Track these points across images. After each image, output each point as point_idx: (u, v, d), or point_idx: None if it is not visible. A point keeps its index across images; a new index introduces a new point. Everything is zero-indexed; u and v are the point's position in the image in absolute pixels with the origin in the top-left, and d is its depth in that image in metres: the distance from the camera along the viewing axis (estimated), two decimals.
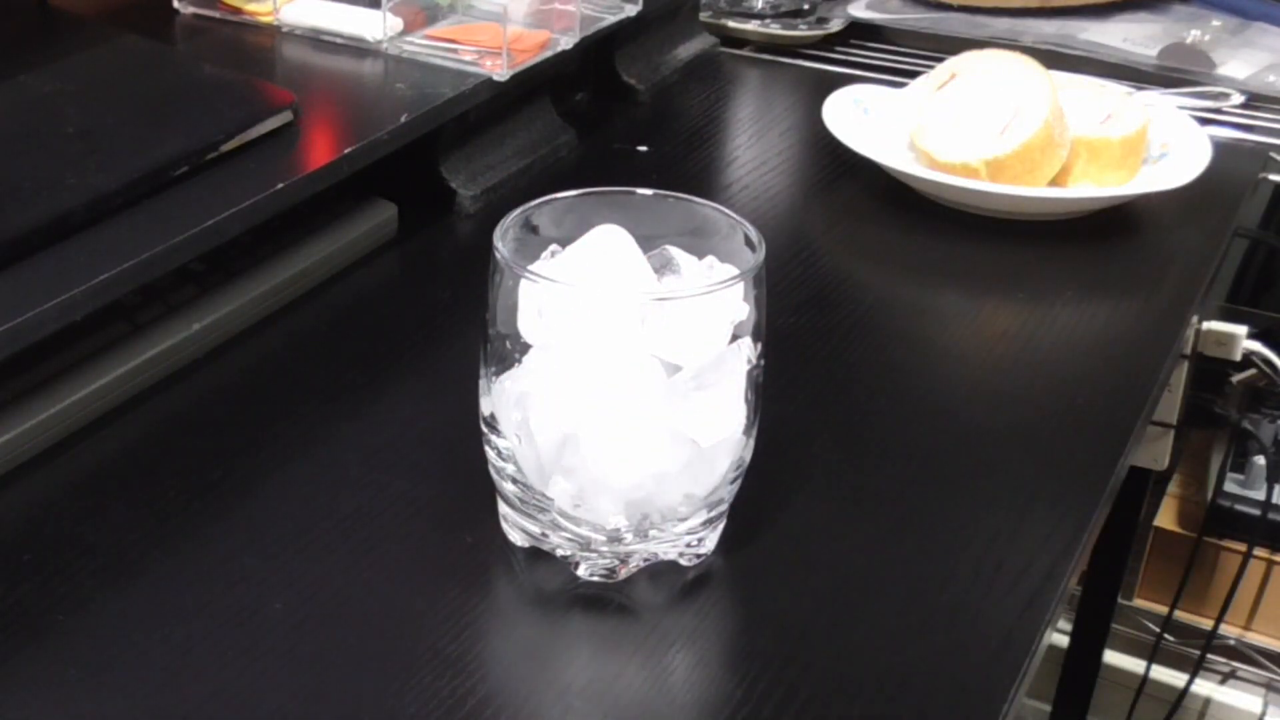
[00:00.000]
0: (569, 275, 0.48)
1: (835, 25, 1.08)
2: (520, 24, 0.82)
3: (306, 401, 0.60)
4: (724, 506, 0.51)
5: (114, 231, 0.59)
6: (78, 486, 0.55)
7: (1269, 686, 1.22)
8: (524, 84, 0.80)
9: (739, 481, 0.50)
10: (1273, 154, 0.91)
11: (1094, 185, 0.79)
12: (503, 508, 0.51)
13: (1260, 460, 1.14)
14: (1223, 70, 1.02)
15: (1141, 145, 0.80)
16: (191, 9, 0.84)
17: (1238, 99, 0.98)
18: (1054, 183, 0.78)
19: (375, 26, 0.79)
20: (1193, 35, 1.06)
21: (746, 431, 0.49)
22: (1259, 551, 1.15)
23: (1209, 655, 1.18)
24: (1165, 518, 1.21)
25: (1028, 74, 0.79)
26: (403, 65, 0.78)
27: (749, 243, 0.50)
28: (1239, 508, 1.15)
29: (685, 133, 0.90)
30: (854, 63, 1.04)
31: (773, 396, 0.52)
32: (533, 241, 0.50)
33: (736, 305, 0.47)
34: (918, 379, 0.64)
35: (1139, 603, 1.24)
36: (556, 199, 0.51)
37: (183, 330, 0.62)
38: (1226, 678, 1.24)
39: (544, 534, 0.50)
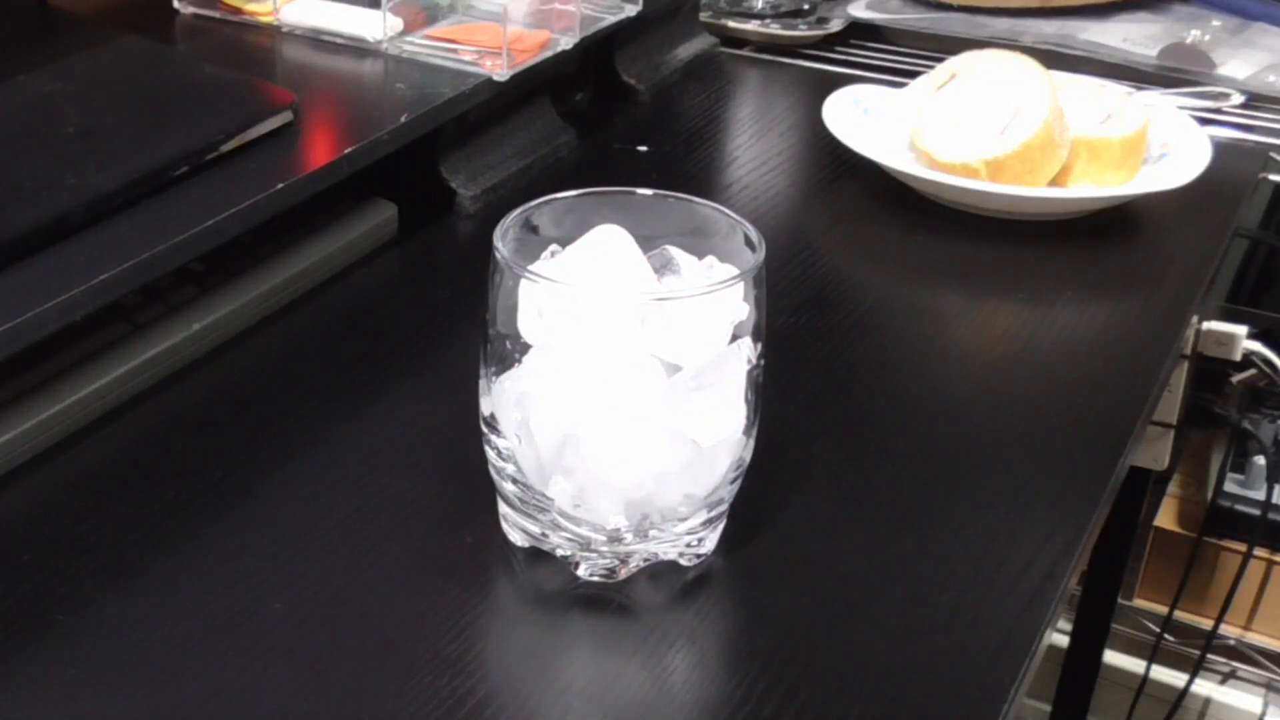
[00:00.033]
0: (569, 275, 0.48)
1: (835, 25, 1.08)
2: (520, 24, 0.82)
3: (306, 401, 0.60)
4: (724, 506, 0.51)
5: (114, 231, 0.59)
6: (78, 486, 0.55)
7: (1269, 686, 1.22)
8: (524, 84, 0.80)
9: (739, 481, 0.50)
10: (1273, 154, 0.91)
11: (1094, 185, 0.79)
12: (503, 508, 0.51)
13: (1260, 460, 1.14)
14: (1223, 70, 1.02)
15: (1141, 145, 0.80)
16: (191, 9, 0.84)
17: (1238, 99, 0.98)
18: (1054, 183, 0.78)
19: (375, 26, 0.79)
20: (1193, 35, 1.06)
21: (746, 431, 0.49)
22: (1259, 551, 1.15)
23: (1209, 655, 1.18)
24: (1165, 518, 1.21)
25: (1028, 74, 0.79)
26: (403, 65, 0.78)
27: (749, 243, 0.50)
28: (1239, 508, 1.15)
29: (685, 133, 0.90)
30: (854, 63, 1.04)
31: (773, 396, 0.52)
32: (533, 241, 0.50)
33: (736, 305, 0.47)
34: (918, 379, 0.64)
35: (1139, 603, 1.24)
36: (556, 199, 0.51)
37: (183, 330, 0.62)
38: (1226, 678, 1.24)
39: (544, 534, 0.50)
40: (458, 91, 0.74)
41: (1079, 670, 1.16)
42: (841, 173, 0.84)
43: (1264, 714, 1.22)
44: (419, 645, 0.47)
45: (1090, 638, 1.15)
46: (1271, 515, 1.13)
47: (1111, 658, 1.24)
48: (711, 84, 0.98)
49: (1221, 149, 0.82)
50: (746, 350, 0.48)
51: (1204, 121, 0.89)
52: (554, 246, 0.50)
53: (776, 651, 0.47)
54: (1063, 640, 1.16)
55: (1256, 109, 0.98)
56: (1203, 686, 1.23)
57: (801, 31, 1.06)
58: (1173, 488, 1.23)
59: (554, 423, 0.47)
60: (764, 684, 0.46)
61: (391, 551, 0.51)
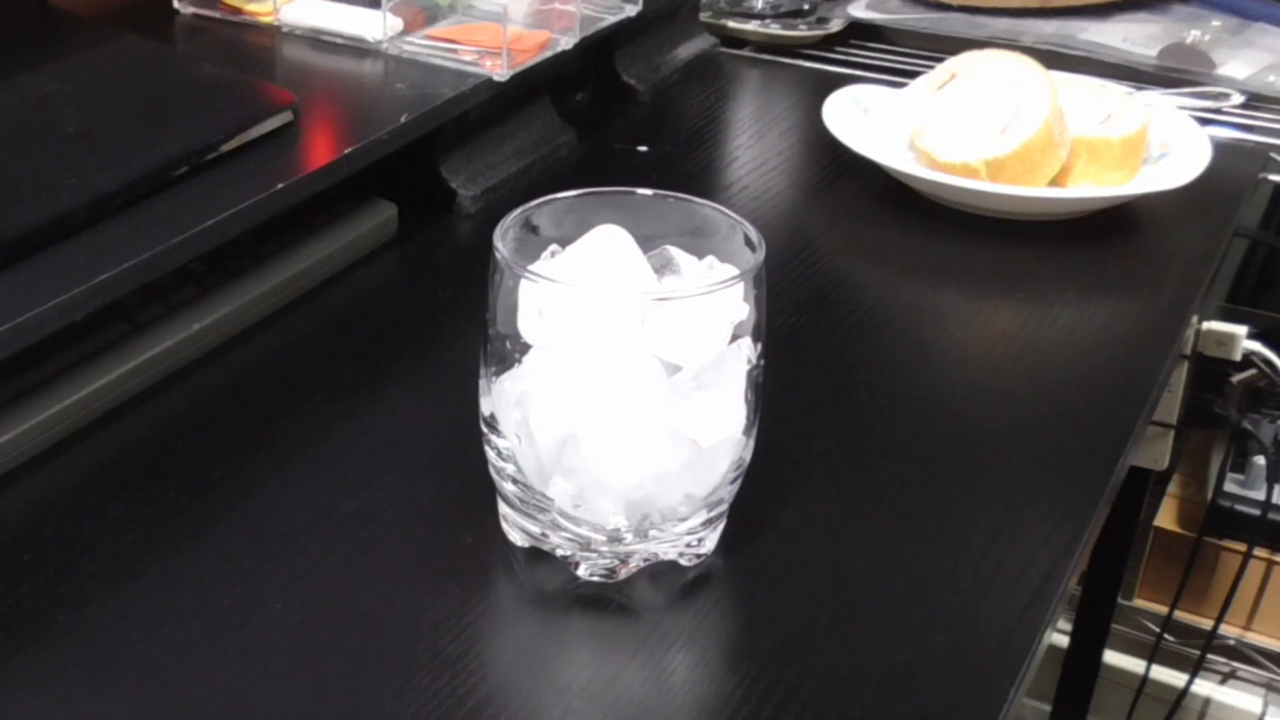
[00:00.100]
0: (569, 275, 0.48)
1: (835, 25, 1.08)
2: (520, 24, 0.82)
3: (306, 401, 0.60)
4: (724, 506, 0.50)
5: (114, 231, 0.59)
6: (78, 486, 0.55)
7: (1269, 686, 1.22)
8: (524, 84, 0.80)
9: (739, 481, 0.50)
10: (1273, 154, 0.91)
11: (1094, 185, 0.79)
12: (503, 508, 0.51)
13: (1260, 460, 1.14)
14: (1223, 70, 1.02)
15: (1141, 145, 0.80)
16: (191, 9, 0.84)
17: (1238, 99, 0.98)
18: (1054, 183, 0.78)
19: (375, 26, 0.79)
20: (1193, 35, 1.06)
21: (746, 431, 0.49)
22: (1259, 551, 1.15)
23: (1209, 655, 1.18)
24: (1165, 518, 1.21)
25: (1028, 74, 0.79)
26: (403, 65, 0.78)
27: (749, 243, 0.50)
28: (1239, 508, 1.15)
29: (685, 133, 0.90)
30: (854, 63, 1.04)
31: (773, 396, 0.52)
32: (533, 241, 0.50)
33: (736, 305, 0.47)
34: (918, 379, 0.64)
35: (1139, 603, 1.24)
36: (556, 199, 0.51)
37: (183, 330, 0.62)
38: (1226, 678, 1.24)
39: (544, 534, 0.50)
40: (458, 91, 0.74)
41: (1079, 670, 1.16)
42: (841, 173, 0.84)
43: (1264, 714, 1.22)
44: (419, 645, 0.47)
45: (1090, 638, 1.15)
46: (1271, 515, 1.13)
47: (1111, 658, 1.24)
48: (711, 84, 0.98)
49: (1221, 149, 0.82)
50: (746, 350, 0.48)
51: (1204, 121, 0.89)
52: (554, 246, 0.50)
53: (776, 651, 0.47)
54: (1063, 640, 1.16)
55: (1256, 109, 0.98)
56: (1203, 686, 1.23)
57: (801, 31, 1.06)
58: (1173, 488, 1.23)
59: (554, 423, 0.47)
60: (764, 684, 0.46)
61: (391, 551, 0.51)
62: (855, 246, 0.77)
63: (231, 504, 0.54)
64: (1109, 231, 0.78)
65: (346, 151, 0.67)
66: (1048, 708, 1.20)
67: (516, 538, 0.51)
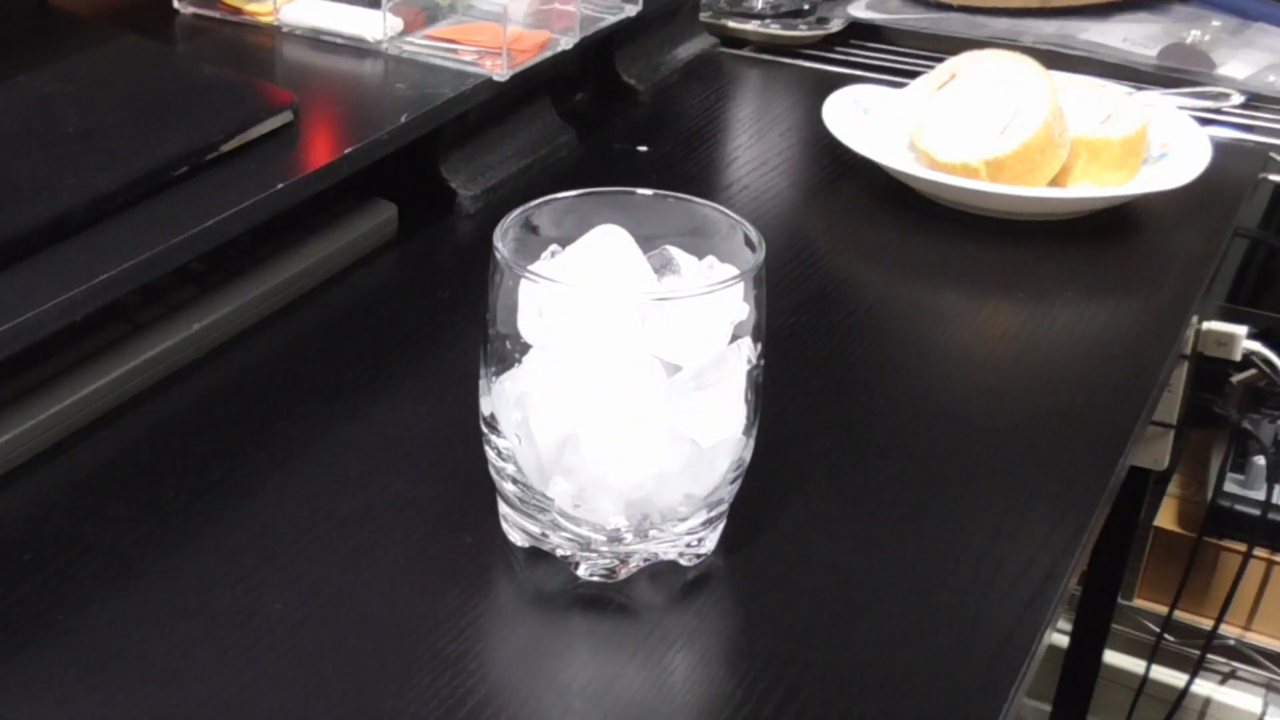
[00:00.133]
0: (569, 275, 0.48)
1: (835, 25, 1.08)
2: (520, 24, 0.82)
3: (306, 401, 0.60)
4: (724, 506, 0.50)
5: (114, 231, 0.59)
6: (78, 486, 0.55)
7: (1269, 686, 1.22)
8: (524, 84, 0.80)
9: (739, 481, 0.50)
10: (1273, 154, 0.91)
11: (1094, 185, 0.79)
12: (503, 508, 0.51)
13: (1260, 460, 1.14)
14: (1223, 70, 1.02)
15: (1141, 145, 0.80)
16: (191, 9, 0.84)
17: (1238, 99, 0.98)
18: (1054, 183, 0.78)
19: (375, 26, 0.79)
20: (1193, 35, 1.06)
21: (746, 431, 0.49)
22: (1259, 551, 1.15)
23: (1209, 655, 1.18)
24: (1165, 518, 1.21)
25: (1028, 74, 0.79)
26: (403, 65, 0.78)
27: (749, 243, 0.50)
28: (1239, 508, 1.15)
29: (685, 133, 0.90)
30: (854, 63, 1.04)
31: (773, 396, 0.52)
32: (533, 241, 0.50)
33: (736, 305, 0.47)
34: (918, 379, 0.64)
35: (1139, 603, 1.24)
36: (556, 199, 0.51)
37: (183, 330, 0.62)
38: (1226, 678, 1.24)
39: (544, 534, 0.50)
40: (458, 91, 0.74)
41: (1079, 670, 1.16)
42: (841, 173, 0.84)
43: (1264, 714, 1.22)
44: (419, 645, 0.47)
45: (1090, 638, 1.15)
46: (1271, 515, 1.13)
47: (1111, 658, 1.24)
48: (711, 84, 0.98)
49: (1221, 149, 0.82)
50: (746, 350, 0.48)
51: (1204, 121, 0.89)
52: (554, 246, 0.50)
53: (776, 651, 0.47)
54: (1063, 640, 1.16)
55: (1256, 109, 0.98)
56: (1203, 686, 1.23)
57: (801, 31, 1.06)
58: (1173, 488, 1.23)
59: (554, 423, 0.47)
60: (764, 684, 0.46)
61: (391, 551, 0.51)
62: (855, 246, 0.77)
63: (231, 504, 0.54)
64: (1109, 231, 0.78)
65: (346, 151, 0.67)
66: (1048, 708, 1.20)
67: (516, 538, 0.51)
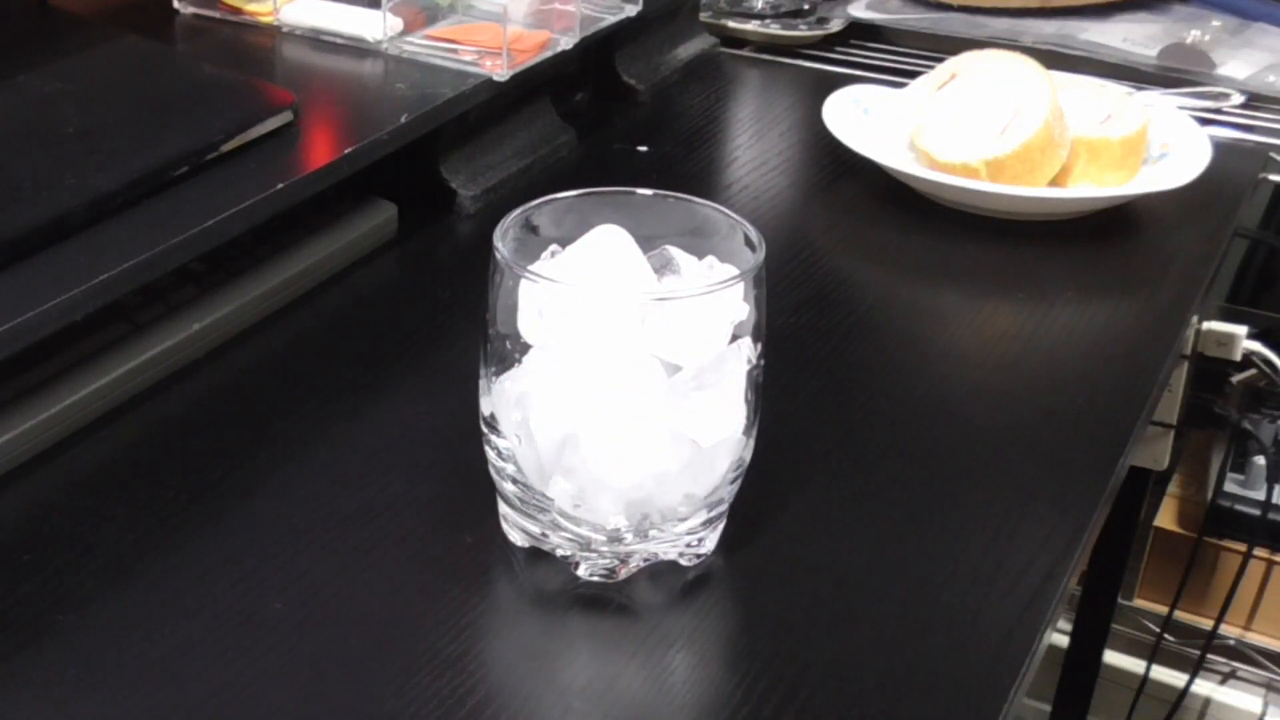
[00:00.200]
0: (569, 275, 0.48)
1: (835, 25, 1.08)
2: (520, 24, 0.82)
3: (306, 401, 0.60)
4: (724, 506, 0.50)
5: (114, 231, 0.59)
6: (78, 486, 0.55)
7: (1269, 686, 1.22)
8: (524, 84, 0.80)
9: (739, 481, 0.50)
10: (1273, 154, 0.91)
11: (1094, 185, 0.79)
12: (503, 508, 0.51)
13: (1260, 460, 1.14)
14: (1223, 70, 1.02)
15: (1141, 145, 0.80)
16: (191, 9, 0.84)
17: (1238, 99, 0.98)
18: (1054, 183, 0.78)
19: (375, 26, 0.79)
20: (1193, 35, 1.06)
21: (746, 431, 0.49)
22: (1259, 551, 1.15)
23: (1209, 655, 1.18)
24: (1165, 518, 1.21)
25: (1028, 74, 0.79)
26: (403, 65, 0.78)
27: (749, 243, 0.50)
28: (1239, 508, 1.15)
29: (685, 133, 0.90)
30: (854, 63, 1.04)
31: (773, 396, 0.52)
32: (533, 241, 0.50)
33: (736, 305, 0.47)
34: (918, 379, 0.64)
35: (1139, 603, 1.24)
36: (556, 199, 0.51)
37: (183, 330, 0.62)
38: (1226, 678, 1.24)
39: (544, 534, 0.50)
40: (458, 91, 0.74)
41: (1079, 670, 1.16)
42: (841, 173, 0.84)
43: (1264, 714, 1.22)
44: (419, 645, 0.47)
45: (1090, 638, 1.15)
46: (1271, 515, 1.13)
47: (1111, 658, 1.24)
48: (711, 84, 0.98)
49: (1221, 149, 0.82)
50: (746, 350, 0.48)
51: (1204, 121, 0.89)
52: (554, 246, 0.50)
53: (776, 651, 0.47)
54: (1063, 640, 1.16)
55: (1256, 109, 0.98)
56: (1203, 686, 1.23)
57: (801, 31, 1.06)
58: (1173, 488, 1.23)
59: (554, 423, 0.47)
60: (764, 684, 0.46)
61: (391, 551, 0.51)
62: (855, 246, 0.77)
63: (231, 504, 0.54)
64: (1109, 231, 0.78)
65: (346, 151, 0.67)
66: (1048, 708, 1.20)
67: (516, 538, 0.51)
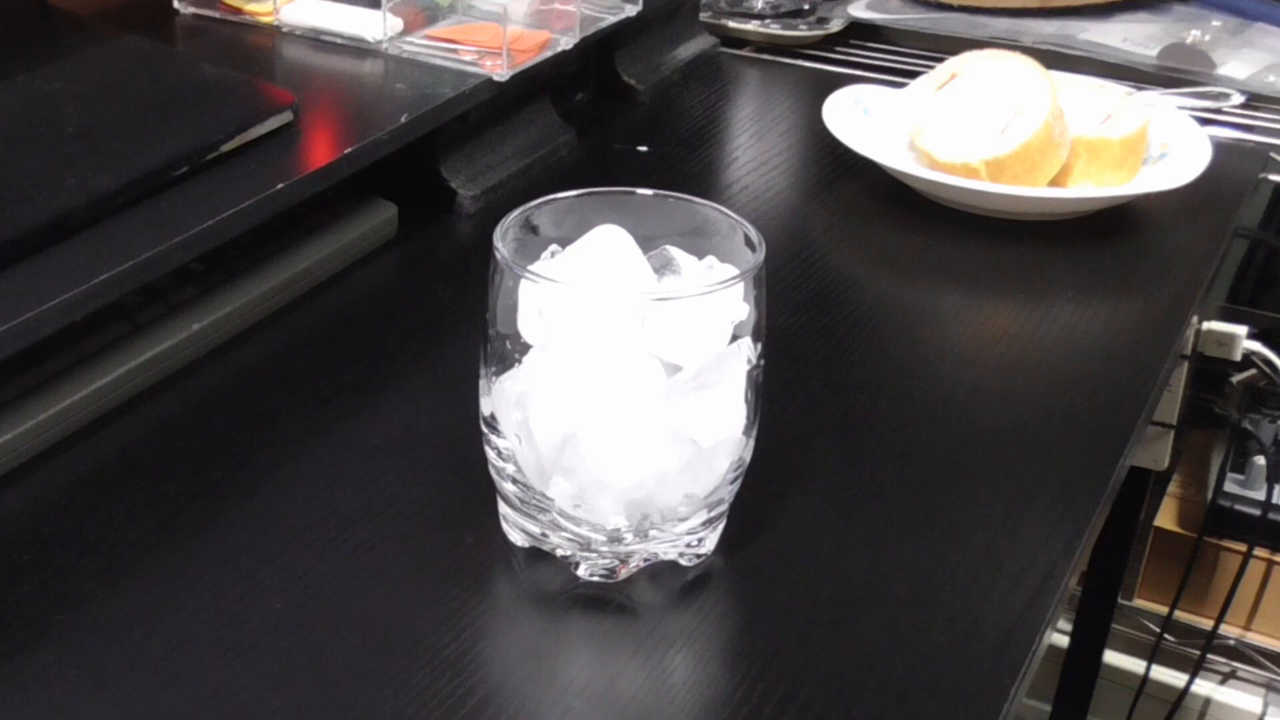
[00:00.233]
0: (569, 275, 0.48)
1: (835, 25, 1.08)
2: (520, 24, 0.82)
3: (306, 401, 0.60)
4: (724, 506, 0.50)
5: (114, 231, 0.59)
6: (78, 486, 0.55)
7: (1269, 686, 1.22)
8: (524, 84, 0.80)
9: (739, 481, 0.50)
10: (1273, 154, 0.91)
11: (1094, 185, 0.79)
12: (503, 508, 0.51)
13: (1260, 460, 1.14)
14: (1223, 70, 1.02)
15: (1141, 145, 0.80)
16: (191, 9, 0.84)
17: (1238, 99, 0.98)
18: (1054, 183, 0.78)
19: (375, 26, 0.79)
20: (1193, 35, 1.06)
21: (746, 431, 0.49)
22: (1259, 551, 1.15)
23: (1209, 655, 1.18)
24: (1165, 518, 1.21)
25: (1028, 74, 0.79)
26: (403, 65, 0.78)
27: (749, 243, 0.50)
28: (1239, 508, 1.15)
29: (685, 133, 0.90)
30: (854, 63, 1.04)
31: (773, 396, 0.52)
32: (533, 241, 0.50)
33: (736, 305, 0.47)
34: (918, 379, 0.64)
35: (1139, 603, 1.24)
36: (556, 199, 0.51)
37: (183, 330, 0.62)
38: (1226, 678, 1.24)
39: (544, 534, 0.50)
40: (458, 91, 0.74)
41: (1079, 670, 1.16)
42: (841, 173, 0.84)
43: (1264, 714, 1.22)
44: (419, 645, 0.47)
45: (1090, 638, 1.15)
46: (1271, 515, 1.13)
47: (1111, 658, 1.24)
48: (711, 84, 0.98)
49: (1221, 149, 0.82)
50: (746, 350, 0.48)
51: (1204, 121, 0.89)
52: (554, 246, 0.50)
53: (776, 651, 0.47)
54: (1063, 640, 1.16)
55: (1256, 109, 0.98)
56: (1203, 686, 1.23)
57: (801, 31, 1.06)
58: (1173, 488, 1.23)
59: (554, 423, 0.47)
60: (764, 684, 0.46)
61: (391, 551, 0.51)
62: (855, 246, 0.77)
63: (231, 504, 0.54)
64: (1109, 231, 0.78)
65: (346, 151, 0.67)
66: (1048, 708, 1.20)
67: (516, 538, 0.51)
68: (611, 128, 0.90)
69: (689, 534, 0.50)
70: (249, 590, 0.49)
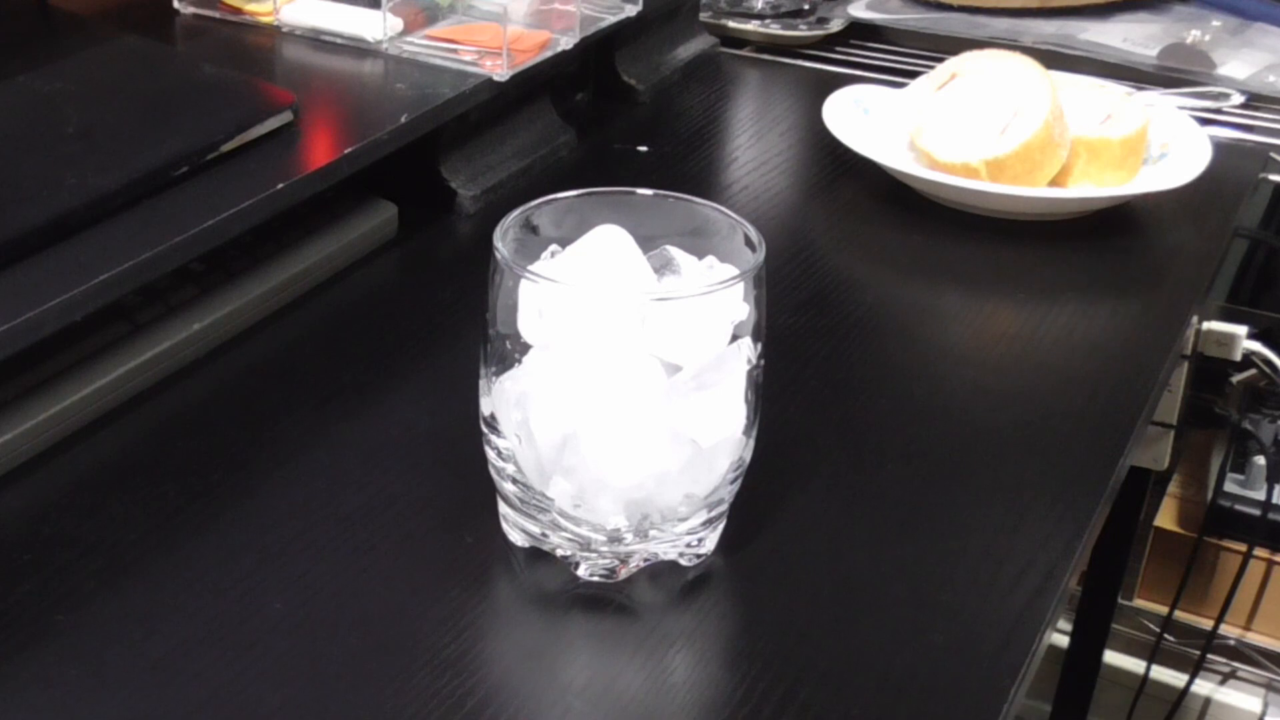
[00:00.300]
0: (569, 275, 0.48)
1: (835, 25, 1.08)
2: (520, 24, 0.82)
3: (306, 401, 0.60)
4: (724, 506, 0.50)
5: (114, 231, 0.59)
6: (78, 486, 0.55)
7: (1269, 686, 1.22)
8: (524, 84, 0.80)
9: (739, 481, 0.50)
10: (1273, 154, 0.91)
11: (1094, 185, 0.79)
12: (503, 508, 0.51)
13: (1260, 460, 1.14)
14: (1223, 70, 1.02)
15: (1141, 145, 0.80)
16: (191, 9, 0.84)
17: (1238, 99, 0.98)
18: (1054, 183, 0.78)
19: (375, 26, 0.79)
20: (1193, 35, 1.06)
21: (746, 431, 0.49)
22: (1259, 551, 1.15)
23: (1209, 655, 1.18)
24: (1165, 518, 1.21)
25: (1028, 74, 0.79)
26: (403, 65, 0.78)
27: (749, 243, 0.50)
28: (1239, 508, 1.15)
29: (685, 133, 0.90)
30: (854, 63, 1.04)
31: (773, 396, 0.52)
32: (533, 241, 0.50)
33: (736, 305, 0.47)
34: (918, 379, 0.64)
35: (1139, 603, 1.24)
36: (556, 199, 0.51)
37: (183, 330, 0.62)
38: (1226, 678, 1.24)
39: (544, 534, 0.50)
40: (458, 91, 0.74)
41: (1079, 670, 1.16)
42: (841, 173, 0.84)
43: (1264, 714, 1.22)
44: (419, 645, 0.47)
45: (1090, 638, 1.15)
46: (1271, 515, 1.13)
47: (1111, 658, 1.24)
48: (711, 84, 0.98)
49: (1221, 149, 0.82)
50: (746, 350, 0.48)
51: (1204, 121, 0.89)
52: (554, 246, 0.50)
53: (776, 651, 0.47)
54: (1063, 640, 1.16)
55: (1256, 109, 0.98)
56: (1203, 686, 1.23)
57: (801, 31, 1.06)
58: (1173, 488, 1.23)
59: (554, 423, 0.47)
60: (764, 684, 0.46)
61: (391, 551, 0.51)
62: (855, 246, 0.77)
63: (231, 504, 0.54)
64: (1109, 231, 0.78)
65: (346, 151, 0.67)
66: (1048, 708, 1.20)
67: (516, 538, 0.51)
68: (611, 128, 0.90)
69: (689, 534, 0.50)
70: (249, 590, 0.49)
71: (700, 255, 0.50)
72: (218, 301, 0.64)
